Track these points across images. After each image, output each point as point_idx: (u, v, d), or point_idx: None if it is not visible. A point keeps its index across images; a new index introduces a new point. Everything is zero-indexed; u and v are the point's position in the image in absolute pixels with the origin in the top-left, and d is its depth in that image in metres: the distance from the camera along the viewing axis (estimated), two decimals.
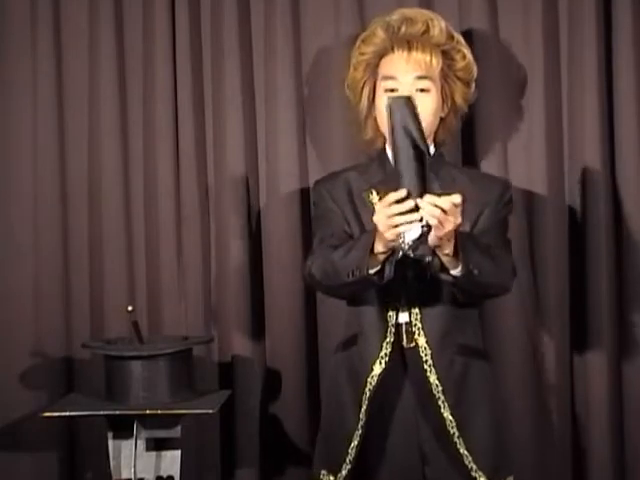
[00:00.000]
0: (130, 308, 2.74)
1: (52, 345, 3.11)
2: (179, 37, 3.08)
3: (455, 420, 2.43)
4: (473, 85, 2.61)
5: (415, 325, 2.44)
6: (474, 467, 2.43)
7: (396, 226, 2.19)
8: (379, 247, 2.29)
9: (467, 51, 2.58)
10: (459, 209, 2.21)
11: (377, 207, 2.26)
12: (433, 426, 2.45)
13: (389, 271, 2.33)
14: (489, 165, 2.97)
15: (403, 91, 2.46)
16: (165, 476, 2.76)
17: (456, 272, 2.29)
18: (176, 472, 2.75)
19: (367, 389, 2.45)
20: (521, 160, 3.01)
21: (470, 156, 2.99)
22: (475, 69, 2.60)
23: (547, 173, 2.99)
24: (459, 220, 2.22)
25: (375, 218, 2.25)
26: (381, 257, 2.30)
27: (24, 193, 3.14)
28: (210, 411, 2.68)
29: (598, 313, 2.97)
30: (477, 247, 2.35)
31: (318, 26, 3.05)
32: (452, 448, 2.43)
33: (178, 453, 2.75)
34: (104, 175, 3.10)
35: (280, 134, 3.05)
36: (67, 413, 2.72)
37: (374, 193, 2.50)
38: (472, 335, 2.52)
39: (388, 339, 2.45)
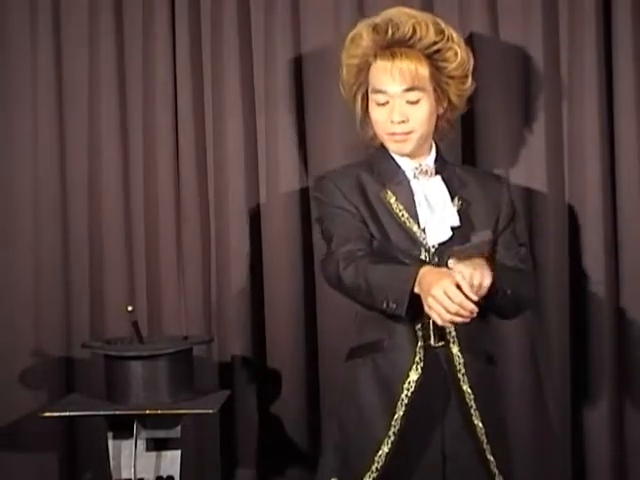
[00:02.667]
0: (130, 308, 2.74)
1: (52, 345, 3.12)
2: (179, 38, 3.08)
3: (484, 427, 2.40)
4: (469, 79, 2.51)
5: (449, 333, 2.40)
6: (496, 472, 2.41)
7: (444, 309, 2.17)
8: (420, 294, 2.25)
9: (458, 47, 2.45)
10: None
11: (443, 285, 2.18)
12: (458, 432, 2.40)
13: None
14: (489, 165, 2.96)
15: (394, 105, 2.41)
16: (165, 476, 2.75)
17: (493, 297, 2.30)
18: (176, 472, 2.75)
19: (404, 395, 2.38)
20: (521, 160, 3.01)
21: (470, 156, 2.98)
22: (469, 63, 2.50)
23: (547, 173, 2.99)
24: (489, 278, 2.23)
25: (434, 291, 2.17)
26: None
27: (25, 194, 3.14)
28: (210, 411, 2.68)
29: (598, 313, 2.97)
30: (505, 270, 2.38)
31: (318, 26, 3.05)
32: (480, 455, 2.40)
33: (178, 453, 2.74)
34: (104, 175, 3.11)
35: (280, 134, 3.05)
36: (67, 413, 2.72)
37: (389, 193, 2.46)
38: (492, 343, 2.53)
39: (420, 343, 2.40)
